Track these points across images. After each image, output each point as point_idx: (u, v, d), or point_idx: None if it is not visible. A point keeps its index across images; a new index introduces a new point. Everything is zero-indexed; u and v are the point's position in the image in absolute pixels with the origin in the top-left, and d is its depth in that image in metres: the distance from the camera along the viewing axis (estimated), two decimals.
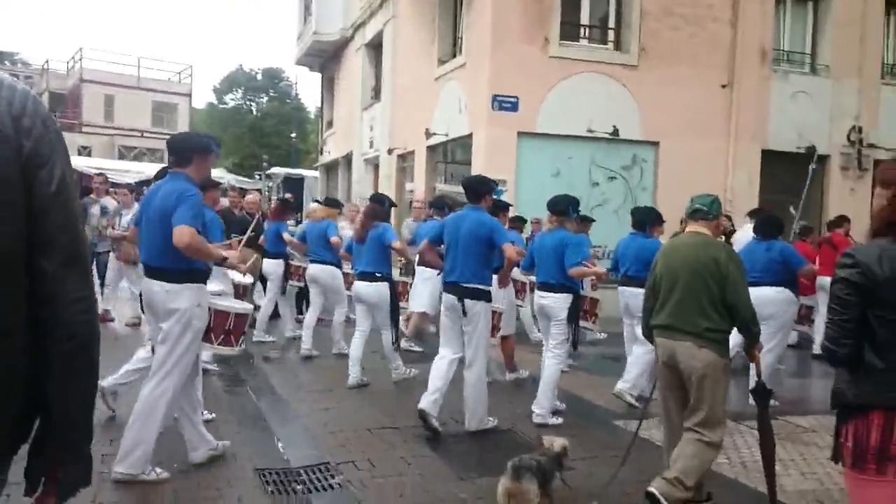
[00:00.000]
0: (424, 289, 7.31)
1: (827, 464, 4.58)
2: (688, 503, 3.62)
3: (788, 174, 13.05)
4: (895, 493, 2.26)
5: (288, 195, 15.37)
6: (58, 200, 1.29)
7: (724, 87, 12.30)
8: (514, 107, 11.57)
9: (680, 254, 3.75)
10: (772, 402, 5.34)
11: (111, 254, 8.70)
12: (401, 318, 6.68)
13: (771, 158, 12.66)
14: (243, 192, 7.93)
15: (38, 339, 1.30)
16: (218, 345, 4.15)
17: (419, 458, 4.40)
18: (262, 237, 8.13)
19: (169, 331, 3.73)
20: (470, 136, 12.40)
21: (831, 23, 12.97)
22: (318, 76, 25.54)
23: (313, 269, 7.35)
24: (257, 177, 29.42)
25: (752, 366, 3.93)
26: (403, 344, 7.52)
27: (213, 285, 4.34)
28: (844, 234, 8.70)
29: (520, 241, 7.25)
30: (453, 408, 5.32)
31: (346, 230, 8.38)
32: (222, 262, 4.00)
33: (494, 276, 5.22)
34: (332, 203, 7.95)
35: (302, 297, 8.69)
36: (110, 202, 8.80)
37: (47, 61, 38.56)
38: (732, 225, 8.67)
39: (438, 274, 5.71)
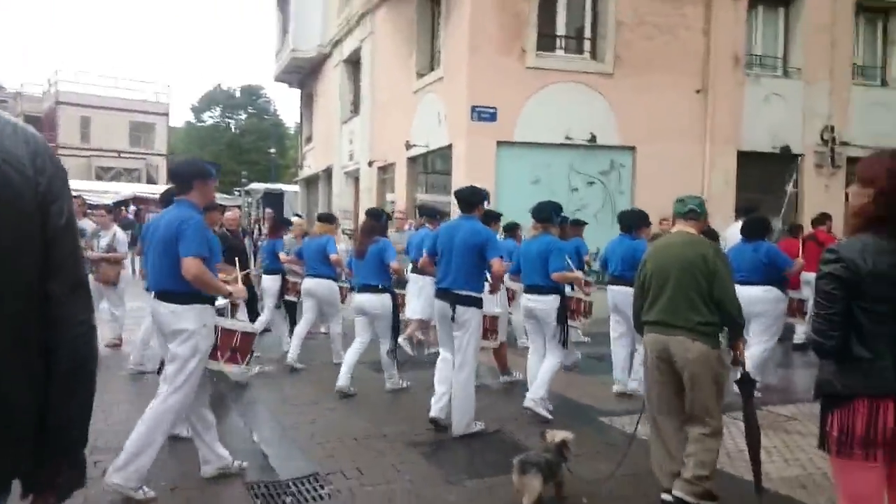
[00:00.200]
0: (420, 296, 7.40)
1: (809, 450, 4.68)
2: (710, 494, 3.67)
3: (764, 174, 13.28)
4: (880, 477, 2.32)
5: (268, 210, 15.33)
6: (67, 231, 1.43)
7: (698, 92, 12.50)
8: (492, 117, 11.68)
9: (670, 252, 3.88)
10: (756, 393, 5.50)
11: (90, 276, 8.61)
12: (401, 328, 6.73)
13: (746, 159, 12.87)
14: (223, 208, 7.89)
15: (46, 357, 1.40)
16: (224, 362, 4.13)
17: (408, 464, 4.40)
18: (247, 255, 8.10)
19: (176, 351, 3.84)
20: (450, 146, 12.48)
21: (802, 27, 13.25)
22: (296, 92, 25.56)
23: (310, 284, 7.38)
24: (237, 193, 29.30)
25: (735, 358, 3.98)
26: (400, 340, 7.56)
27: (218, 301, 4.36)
28: (827, 231, 8.88)
29: (515, 248, 7.21)
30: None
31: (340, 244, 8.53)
32: (227, 296, 4.09)
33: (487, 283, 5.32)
34: (328, 218, 7.94)
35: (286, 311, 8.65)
36: (88, 224, 8.71)
37: (22, 85, 38.22)
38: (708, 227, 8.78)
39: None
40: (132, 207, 23.13)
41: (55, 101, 35.39)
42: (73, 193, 1.63)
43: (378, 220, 6.51)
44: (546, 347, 5.70)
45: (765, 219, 6.71)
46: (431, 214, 8.53)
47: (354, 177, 18.49)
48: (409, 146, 14.02)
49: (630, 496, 3.92)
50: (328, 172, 20.88)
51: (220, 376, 4.53)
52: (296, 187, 25.53)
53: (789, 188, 11.42)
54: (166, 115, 39.98)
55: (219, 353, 4.04)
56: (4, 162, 1.34)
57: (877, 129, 13.25)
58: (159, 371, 4.16)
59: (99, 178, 33.76)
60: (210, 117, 50.04)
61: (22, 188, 1.35)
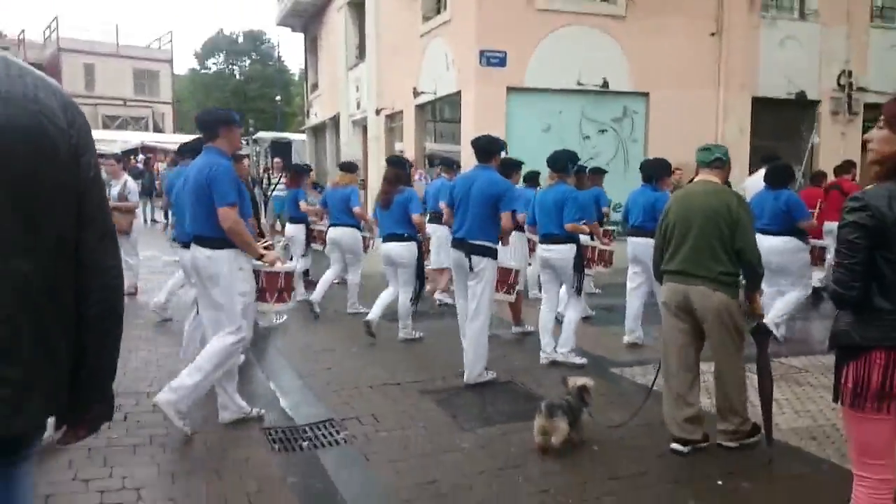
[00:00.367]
0: (443, 247, 7.41)
1: (820, 402, 4.72)
2: (689, 442, 3.81)
3: (779, 121, 13.05)
4: (891, 428, 2.34)
5: (277, 160, 15.24)
6: (96, 183, 1.51)
7: (712, 35, 12.19)
8: (501, 62, 11.45)
9: (694, 201, 3.87)
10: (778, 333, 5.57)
11: None
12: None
13: (761, 106, 12.64)
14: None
15: (79, 302, 1.49)
16: (274, 303, 4.36)
17: (421, 412, 4.48)
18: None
19: (218, 297, 3.99)
20: (458, 93, 12.29)
21: None
22: (300, 37, 25.09)
23: (335, 233, 7.48)
24: (244, 142, 29.11)
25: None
26: (437, 295, 7.78)
27: None
28: (852, 180, 8.74)
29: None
30: (454, 363, 5.40)
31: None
32: (258, 258, 4.15)
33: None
34: (350, 167, 7.95)
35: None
36: None
37: (23, 31, 37.62)
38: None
39: None
40: (140, 156, 23.04)
41: (57, 48, 34.88)
42: None
43: (402, 168, 6.52)
44: (566, 298, 5.78)
45: (789, 166, 6.69)
46: (449, 164, 8.45)
47: (362, 125, 18.31)
48: (416, 93, 13.82)
49: (643, 446, 3.99)
50: (335, 121, 20.67)
51: None
52: (303, 136, 25.31)
53: (814, 139, 11.23)
54: (170, 62, 39.41)
55: (267, 296, 4.23)
56: (41, 114, 1.38)
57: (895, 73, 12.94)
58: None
59: (106, 126, 33.54)
60: (214, 64, 49.29)
61: (57, 141, 1.40)
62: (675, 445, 3.85)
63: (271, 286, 4.27)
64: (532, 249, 7.54)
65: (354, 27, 18.82)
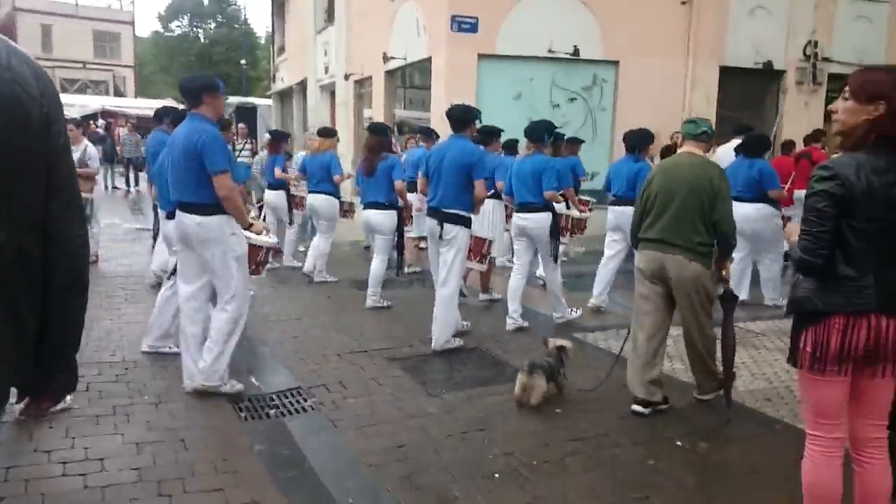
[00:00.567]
0: (422, 216, 7.41)
1: (776, 365, 4.87)
2: (651, 404, 3.96)
3: (747, 91, 13.16)
4: (845, 389, 2.42)
5: (241, 125, 14.94)
6: (65, 152, 1.50)
7: (683, 3, 12.18)
8: (473, 28, 11.31)
9: (678, 173, 3.96)
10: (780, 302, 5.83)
11: None
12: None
13: (728, 75, 12.71)
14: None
15: (45, 271, 1.48)
16: (250, 274, 4.37)
17: (389, 379, 4.51)
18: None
19: (211, 260, 4.02)
20: (429, 59, 12.13)
21: None
22: None
23: (313, 200, 7.51)
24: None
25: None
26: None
27: None
28: (822, 148, 8.89)
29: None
30: (422, 331, 5.43)
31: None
32: (246, 227, 4.16)
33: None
34: (328, 133, 7.93)
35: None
36: None
37: None
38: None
39: None
40: (101, 121, 22.39)
41: (13, 7, 33.48)
42: None
43: (384, 135, 6.52)
44: (543, 266, 5.91)
45: (765, 136, 6.90)
46: (427, 133, 8.40)
47: (330, 90, 18.01)
48: (386, 59, 13.61)
49: (603, 408, 4.08)
50: (302, 85, 20.30)
51: None
52: (269, 101, 24.82)
53: (777, 120, 11.35)
54: (132, 23, 38.18)
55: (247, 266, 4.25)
56: (14, 82, 1.37)
57: (860, 43, 13.09)
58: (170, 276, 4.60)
59: (64, 90, 32.44)
60: (178, 27, 47.87)
61: (30, 109, 1.39)
62: (636, 407, 3.96)
63: (252, 258, 4.30)
64: (509, 216, 7.55)
65: None
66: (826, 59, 13.20)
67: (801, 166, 8.26)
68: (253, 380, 4.46)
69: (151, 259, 7.30)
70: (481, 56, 11.43)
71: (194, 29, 47.89)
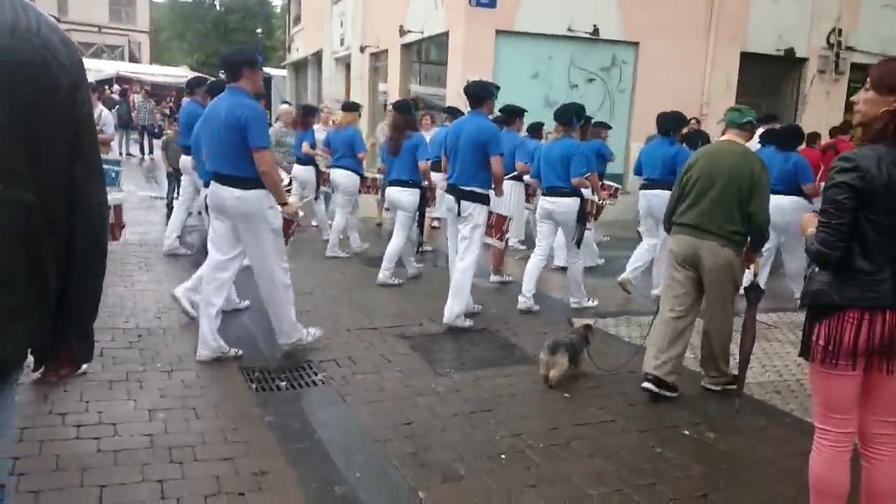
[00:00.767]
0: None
1: (786, 357, 4.86)
2: (662, 384, 3.99)
3: (767, 77, 12.97)
4: (857, 384, 2.42)
5: None
6: (89, 118, 1.52)
7: None
8: (492, 2, 11.15)
9: (720, 160, 3.97)
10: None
11: None
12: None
13: (749, 61, 12.51)
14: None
15: (66, 236, 1.50)
16: None
17: (398, 356, 4.53)
18: None
19: (247, 233, 4.15)
20: (446, 34, 11.99)
21: None
22: None
23: (336, 175, 7.55)
24: (222, 75, 28.37)
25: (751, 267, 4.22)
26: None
27: None
28: (850, 140, 8.74)
29: (539, 148, 7.18)
30: (432, 310, 5.45)
31: (320, 133, 8.63)
32: (282, 204, 4.25)
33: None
34: (352, 107, 7.97)
35: None
36: None
37: None
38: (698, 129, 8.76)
39: None
40: (115, 87, 22.35)
41: None
42: None
43: (409, 114, 6.52)
44: (567, 251, 5.94)
45: (799, 128, 6.85)
46: (453, 113, 8.36)
47: (346, 63, 17.88)
48: (403, 32, 13.47)
49: (612, 394, 4.10)
50: (318, 57, 20.16)
51: None
52: (283, 72, 24.70)
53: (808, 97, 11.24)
54: None
55: None
56: (44, 48, 1.38)
57: (885, 33, 12.84)
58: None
59: (79, 54, 32.38)
60: None
61: (59, 75, 1.41)
62: (647, 384, 3.99)
63: (285, 231, 4.46)
64: (531, 195, 7.55)
65: None
66: (850, 49, 12.96)
67: (828, 158, 8.16)
68: (263, 350, 4.50)
69: (167, 227, 7.40)
70: (499, 32, 11.28)
71: None
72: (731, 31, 12.19)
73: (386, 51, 14.99)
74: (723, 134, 4.20)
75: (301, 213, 4.74)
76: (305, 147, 8.16)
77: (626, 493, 2.97)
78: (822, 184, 7.74)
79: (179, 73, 25.69)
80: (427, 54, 14.14)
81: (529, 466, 3.16)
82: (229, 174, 4.07)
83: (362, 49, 16.09)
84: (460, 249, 5.22)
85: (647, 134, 10.95)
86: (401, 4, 13.73)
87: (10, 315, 1.39)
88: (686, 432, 3.62)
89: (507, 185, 6.49)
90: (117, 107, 17.25)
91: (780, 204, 5.94)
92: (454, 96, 11.23)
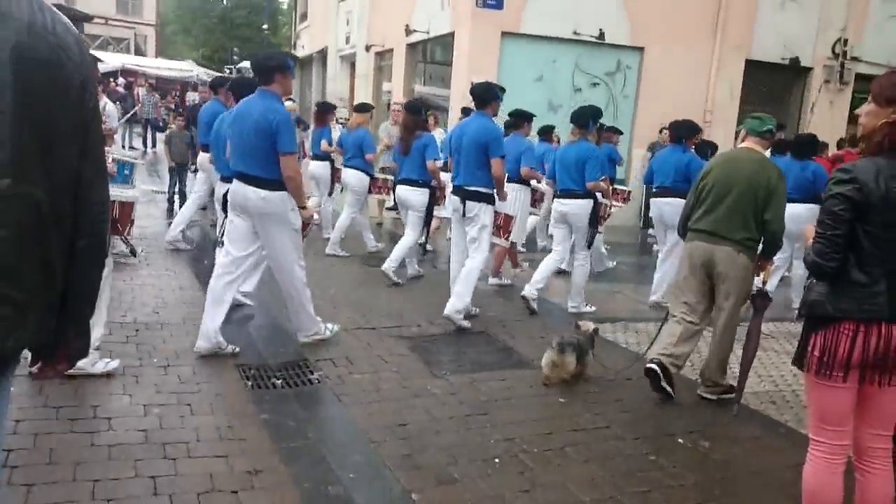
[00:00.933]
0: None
1: (782, 367, 4.86)
2: (665, 372, 4.06)
3: (772, 85, 12.96)
4: (851, 396, 2.42)
5: None
6: (97, 117, 1.54)
7: None
8: (498, 4, 11.15)
9: (737, 167, 4.00)
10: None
11: None
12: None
13: (754, 69, 12.50)
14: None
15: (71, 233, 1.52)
16: None
17: (395, 357, 4.53)
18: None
19: (270, 233, 4.28)
20: (452, 34, 12.00)
21: None
22: None
23: (346, 175, 7.70)
24: (227, 71, 28.36)
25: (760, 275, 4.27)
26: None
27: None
28: (858, 154, 8.76)
29: (550, 152, 7.48)
30: (430, 311, 5.45)
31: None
32: (303, 206, 4.37)
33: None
34: (364, 108, 8.10)
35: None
36: None
37: None
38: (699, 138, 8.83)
39: None
40: (121, 80, 22.34)
41: None
42: None
43: (419, 114, 6.59)
44: (575, 254, 5.96)
45: (814, 136, 6.91)
46: (468, 114, 8.39)
47: (350, 61, 17.89)
48: (409, 31, 13.47)
49: (608, 401, 4.10)
50: (323, 54, 20.17)
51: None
52: None
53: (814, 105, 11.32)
54: None
55: None
56: (59, 47, 1.40)
57: (891, 43, 12.83)
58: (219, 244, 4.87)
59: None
60: None
61: (72, 74, 1.43)
62: (651, 365, 4.05)
63: (302, 231, 4.54)
64: (538, 200, 7.63)
65: None
66: (855, 59, 12.95)
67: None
68: (259, 348, 4.50)
69: (174, 219, 7.46)
70: (505, 34, 11.28)
71: None
72: (736, 38, 12.18)
73: (391, 50, 14.99)
74: (742, 141, 4.21)
75: (317, 217, 4.86)
76: (324, 144, 8.25)
77: (620, 500, 2.97)
78: None
79: (185, 68, 25.68)
80: (432, 54, 14.13)
81: (523, 471, 3.16)
82: (255, 175, 4.18)
83: (368, 48, 16.10)
84: (470, 250, 5.29)
85: (650, 140, 10.99)
86: (407, 4, 13.74)
87: (21, 309, 1.41)
88: (681, 440, 3.62)
89: (513, 188, 6.57)
90: (120, 101, 17.23)
91: (796, 212, 5.95)
92: (458, 97, 11.24)
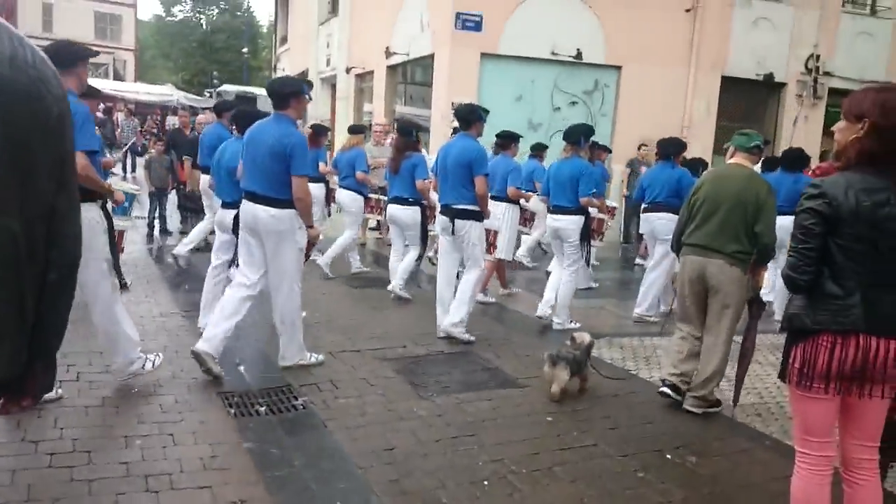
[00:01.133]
0: None
1: (766, 379, 4.89)
2: (679, 392, 4.19)
3: (747, 101, 13.19)
4: (833, 408, 2.44)
5: None
6: (72, 150, 1.52)
7: (687, 11, 12.19)
8: (477, 26, 11.29)
9: (727, 184, 4.10)
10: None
11: None
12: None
13: (729, 85, 12.74)
14: (194, 111, 7.67)
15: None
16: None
17: (380, 380, 4.50)
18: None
19: (277, 251, 4.37)
20: (432, 56, 12.11)
21: None
22: None
23: (340, 195, 7.88)
24: (207, 94, 28.35)
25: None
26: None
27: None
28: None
29: (539, 170, 7.71)
30: (415, 331, 5.42)
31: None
32: (308, 226, 4.47)
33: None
34: (358, 129, 8.33)
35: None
36: None
37: None
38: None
39: None
40: (101, 105, 22.21)
41: None
42: None
43: (409, 136, 6.71)
44: (563, 270, 6.02)
45: (802, 150, 7.16)
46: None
47: (331, 83, 17.96)
48: (389, 53, 13.58)
49: (595, 418, 4.09)
50: (303, 77, 20.20)
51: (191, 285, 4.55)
52: None
53: (798, 119, 11.60)
54: (134, 6, 37.97)
55: None
56: (40, 80, 1.40)
57: (861, 59, 13.15)
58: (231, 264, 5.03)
59: None
60: (180, 12, 47.59)
61: (51, 107, 1.43)
62: (664, 389, 4.18)
63: (308, 250, 4.67)
64: (527, 219, 7.80)
65: None
66: (827, 74, 13.24)
67: None
68: (243, 374, 4.45)
69: (152, 245, 7.44)
70: (484, 55, 11.41)
71: (197, 14, 47.62)
72: (711, 56, 12.42)
73: (371, 72, 15.08)
74: (731, 157, 4.31)
75: (322, 238, 4.98)
76: (322, 167, 8.32)
77: None
78: None
79: (164, 92, 25.63)
80: (412, 76, 14.24)
81: (512, 493, 3.14)
82: (265, 195, 4.30)
83: (348, 70, 16.19)
84: (467, 265, 5.42)
85: (629, 157, 11.11)
86: (387, 27, 13.85)
87: None
88: (668, 456, 3.61)
89: (500, 207, 6.75)
90: (99, 126, 17.13)
91: (788, 224, 6.06)
92: (439, 118, 11.31)
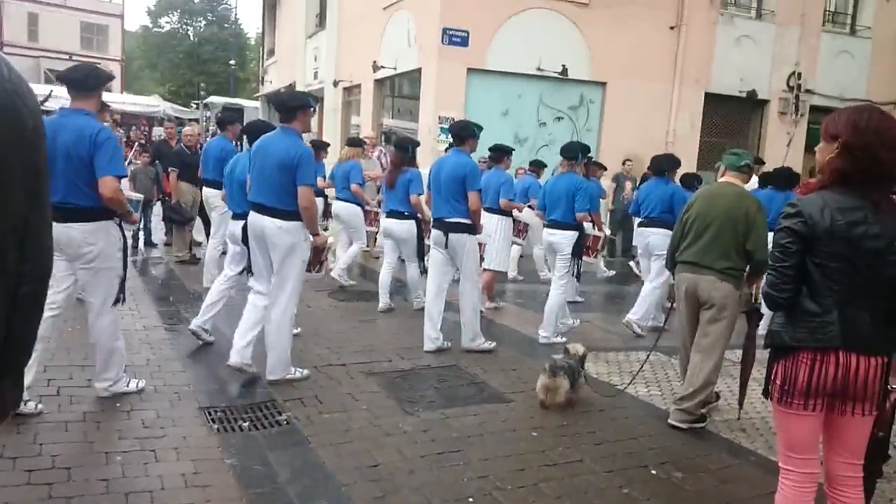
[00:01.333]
0: None
1: (751, 395, 4.88)
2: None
3: (730, 117, 13.36)
4: (817, 426, 2.45)
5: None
6: (45, 164, 1.51)
7: (672, 28, 12.35)
8: (464, 41, 11.36)
9: (718, 202, 4.18)
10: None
11: None
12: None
13: (713, 102, 12.91)
14: (180, 122, 7.65)
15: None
16: (314, 272, 4.88)
17: (365, 394, 4.47)
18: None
19: (283, 261, 4.44)
20: (419, 70, 12.16)
21: None
22: (259, 0, 24.37)
23: (337, 207, 7.92)
24: (194, 106, 28.27)
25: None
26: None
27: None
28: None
29: (535, 186, 7.90)
30: (401, 345, 5.40)
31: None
32: (314, 234, 4.56)
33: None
34: (355, 143, 8.41)
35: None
36: None
37: None
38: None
39: None
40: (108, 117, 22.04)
41: None
42: None
43: (406, 152, 6.77)
44: (553, 282, 6.10)
45: (791, 169, 7.42)
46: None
47: (319, 97, 17.95)
48: (376, 67, 13.61)
49: (580, 433, 4.08)
50: (291, 89, 20.19)
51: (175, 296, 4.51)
52: (256, 103, 24.71)
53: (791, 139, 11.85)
54: (121, 17, 37.86)
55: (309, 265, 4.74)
56: (16, 94, 1.39)
57: (842, 77, 13.38)
58: (245, 272, 5.04)
59: (49, 81, 32.02)
60: (167, 23, 47.50)
61: (27, 120, 1.42)
62: (672, 421, 4.24)
63: (315, 258, 4.80)
64: (521, 231, 7.88)
65: None
66: (809, 91, 13.45)
67: None
68: (226, 389, 4.40)
69: (136, 257, 7.36)
70: (471, 70, 11.48)
71: (184, 26, 47.54)
72: (695, 73, 12.58)
73: (359, 85, 15.11)
74: (722, 175, 4.41)
75: (331, 241, 5.01)
76: (320, 181, 8.28)
77: None
78: None
79: (151, 103, 25.51)
80: (400, 89, 14.28)
81: None
82: (273, 206, 4.37)
83: (336, 83, 16.21)
84: (461, 280, 5.48)
85: (614, 172, 11.19)
86: (374, 40, 13.90)
87: None
88: (654, 472, 3.61)
89: (493, 219, 6.88)
90: None
91: None
92: (426, 131, 11.34)
